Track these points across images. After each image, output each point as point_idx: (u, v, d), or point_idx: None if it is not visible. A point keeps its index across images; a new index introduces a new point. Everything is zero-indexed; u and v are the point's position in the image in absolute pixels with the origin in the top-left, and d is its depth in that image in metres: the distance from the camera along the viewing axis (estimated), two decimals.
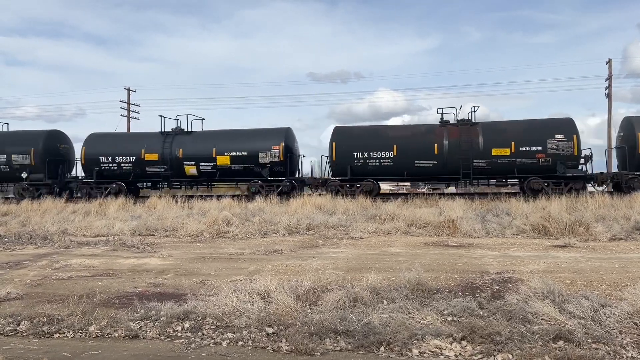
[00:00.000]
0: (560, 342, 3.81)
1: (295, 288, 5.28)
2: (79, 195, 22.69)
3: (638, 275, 6.14)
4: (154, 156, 21.65)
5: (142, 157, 21.71)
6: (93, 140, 22.84)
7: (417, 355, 3.72)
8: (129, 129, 41.32)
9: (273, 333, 4.19)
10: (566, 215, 10.81)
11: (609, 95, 37.08)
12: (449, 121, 20.26)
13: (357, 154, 19.90)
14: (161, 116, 22.34)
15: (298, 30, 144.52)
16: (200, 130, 22.64)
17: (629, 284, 5.49)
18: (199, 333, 4.29)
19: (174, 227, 11.54)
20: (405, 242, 9.48)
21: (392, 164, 19.70)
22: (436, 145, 19.50)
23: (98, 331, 4.40)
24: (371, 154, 19.84)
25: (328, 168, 21.00)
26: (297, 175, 21.90)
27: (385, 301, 4.93)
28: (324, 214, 13.13)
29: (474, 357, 3.67)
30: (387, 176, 20.35)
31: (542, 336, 3.88)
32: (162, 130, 22.31)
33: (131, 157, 21.84)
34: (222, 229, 11.17)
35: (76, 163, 24.02)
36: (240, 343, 4.05)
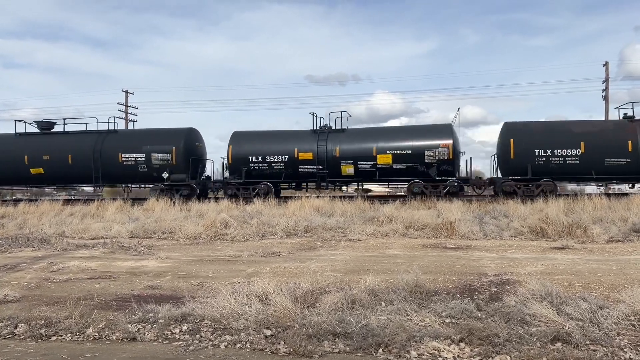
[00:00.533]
0: (559, 344, 3.82)
1: (294, 290, 5.28)
2: (219, 196, 21.60)
3: (635, 277, 6.15)
4: (308, 155, 20.46)
5: (296, 156, 20.54)
6: (239, 138, 21.66)
7: (416, 357, 3.72)
8: None
9: (271, 335, 4.18)
10: (564, 217, 10.83)
11: (606, 98, 37.22)
12: (633, 116, 19.14)
13: (538, 152, 18.68)
14: (312, 113, 21.42)
15: (296, 33, 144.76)
16: (349, 127, 21.52)
17: (626, 285, 5.50)
18: (197, 335, 4.29)
19: (172, 230, 11.52)
20: (403, 244, 9.48)
21: (578, 162, 18.48)
22: (630, 142, 18.25)
23: (96, 334, 4.38)
24: (554, 151, 18.60)
25: (497, 166, 19.99)
26: (458, 175, 20.52)
27: (383, 303, 4.93)
28: (322, 216, 13.13)
29: (472, 359, 3.67)
30: (572, 175, 19.12)
31: (540, 338, 3.89)
32: (314, 128, 21.24)
33: (283, 157, 20.66)
34: (220, 232, 11.16)
35: (210, 162, 23.30)
36: (238, 345, 4.05)
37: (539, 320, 4.28)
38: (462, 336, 3.96)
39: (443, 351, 3.77)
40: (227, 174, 21.79)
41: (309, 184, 21.73)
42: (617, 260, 7.45)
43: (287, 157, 20.69)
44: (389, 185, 23.04)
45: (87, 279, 6.84)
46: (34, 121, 23.34)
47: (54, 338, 4.36)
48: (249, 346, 4.02)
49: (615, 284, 5.80)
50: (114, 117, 23.06)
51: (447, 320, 4.43)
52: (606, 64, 37.56)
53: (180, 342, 4.17)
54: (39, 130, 23.13)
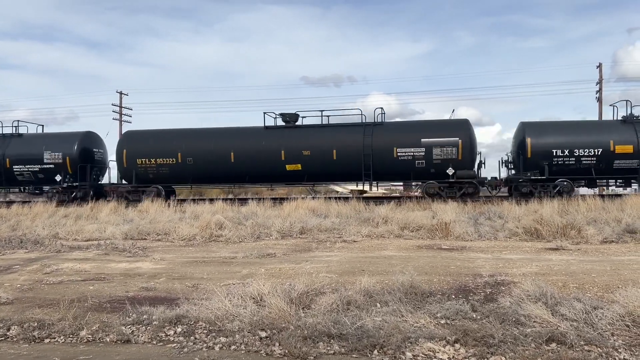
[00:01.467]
0: (553, 345, 3.83)
1: (289, 292, 5.26)
2: (501, 194, 19.74)
3: (629, 277, 6.18)
4: (627, 148, 18.28)
5: (611, 149, 18.37)
6: (537, 129, 19.42)
7: (411, 358, 3.71)
8: (120, 132, 41.13)
9: (266, 337, 4.17)
10: (558, 218, 10.86)
11: (599, 99, 37.40)
12: None
13: None
14: (624, 102, 19.40)
15: (291, 34, 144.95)
16: None
17: (620, 286, 5.53)
18: (192, 337, 4.27)
19: (167, 231, 11.48)
20: (398, 245, 9.48)
21: None
22: None
23: (89, 336, 4.36)
24: None
25: None
26: None
27: (378, 304, 4.93)
28: (317, 218, 13.11)
29: (467, 359, 3.67)
30: None
31: (535, 339, 3.89)
32: (619, 118, 19.38)
33: (596, 150, 18.46)
34: (214, 233, 11.13)
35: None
36: (233, 347, 4.03)
37: (534, 321, 4.28)
38: (457, 337, 3.96)
39: (438, 352, 3.77)
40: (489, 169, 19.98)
41: (619, 180, 19.44)
42: (611, 260, 7.47)
43: (600, 150, 18.47)
44: None
45: (81, 280, 6.80)
46: (280, 114, 21.12)
47: (47, 340, 4.33)
48: (243, 348, 4.00)
49: (609, 284, 5.82)
50: (381, 108, 20.47)
51: (442, 321, 4.43)
52: (600, 66, 37.77)
53: (175, 344, 4.15)
54: (284, 123, 21.10)
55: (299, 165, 20.09)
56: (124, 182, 22.05)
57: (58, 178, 21.83)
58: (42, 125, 24.63)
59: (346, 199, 18.81)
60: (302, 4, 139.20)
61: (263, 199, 19.67)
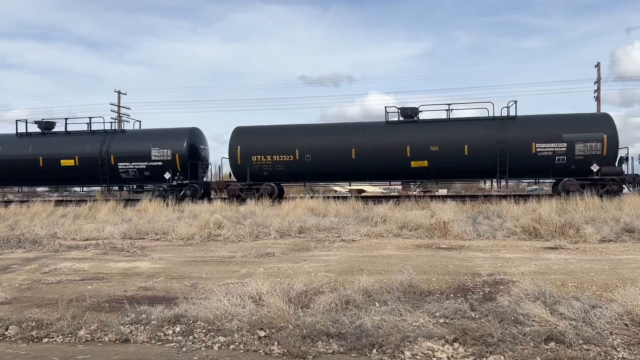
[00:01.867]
0: (552, 344, 3.83)
1: (287, 291, 5.26)
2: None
3: (628, 276, 6.18)
4: None
5: None
6: None
7: (409, 358, 3.71)
8: None
9: (265, 336, 4.17)
10: (556, 217, 10.87)
11: (597, 98, 37.49)
12: None
13: None
14: None
15: (290, 34, 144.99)
16: None
17: (618, 285, 5.53)
18: (190, 337, 4.26)
19: (165, 231, 11.47)
20: (397, 244, 9.48)
21: None
22: None
23: (88, 335, 4.35)
24: None
25: None
26: None
27: (377, 303, 4.93)
28: (316, 217, 13.11)
29: (466, 359, 3.67)
30: None
31: (533, 337, 3.89)
32: None
33: None
34: (213, 232, 11.12)
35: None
36: (231, 346, 4.03)
37: (533, 320, 4.29)
38: (456, 336, 3.96)
39: (437, 351, 3.77)
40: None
41: None
42: (609, 259, 7.48)
43: None
44: None
45: (79, 280, 6.79)
46: (400, 108, 20.32)
47: (45, 340, 4.32)
48: (242, 347, 4.00)
49: (608, 283, 5.82)
50: (515, 101, 19.34)
51: (441, 321, 4.43)
52: (598, 65, 37.86)
53: (173, 344, 4.15)
54: (402, 118, 20.23)
55: (426, 162, 19.24)
56: (232, 179, 21.52)
57: (167, 176, 21.06)
58: (139, 121, 23.87)
59: (345, 198, 18.81)
60: (300, 4, 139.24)
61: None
